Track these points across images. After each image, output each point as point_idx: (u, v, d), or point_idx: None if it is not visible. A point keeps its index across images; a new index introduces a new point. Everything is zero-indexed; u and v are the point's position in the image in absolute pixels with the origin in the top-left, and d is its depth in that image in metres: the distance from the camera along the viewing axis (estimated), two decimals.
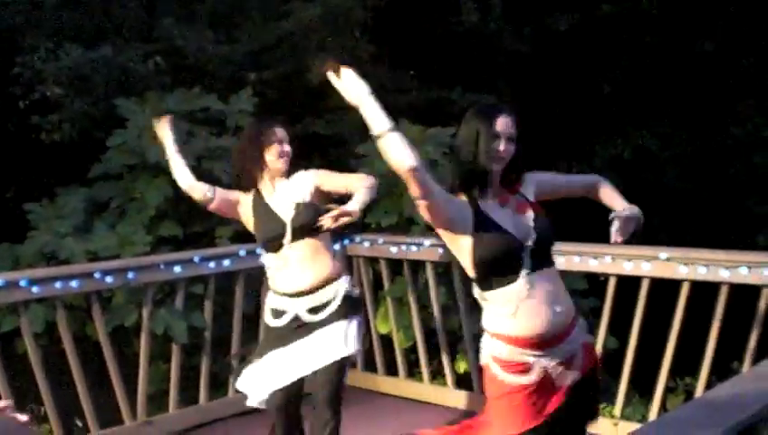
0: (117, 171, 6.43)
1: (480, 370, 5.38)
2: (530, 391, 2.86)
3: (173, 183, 6.08)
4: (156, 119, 4.17)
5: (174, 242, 6.26)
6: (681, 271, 4.62)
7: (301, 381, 3.90)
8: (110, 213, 6.35)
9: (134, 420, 5.08)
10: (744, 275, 4.41)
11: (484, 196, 2.89)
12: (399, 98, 9.47)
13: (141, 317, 5.21)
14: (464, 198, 2.88)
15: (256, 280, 5.54)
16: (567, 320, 2.91)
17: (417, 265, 5.85)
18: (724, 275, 4.47)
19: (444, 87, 10.22)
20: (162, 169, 6.09)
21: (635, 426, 4.47)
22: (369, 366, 6.06)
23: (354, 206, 3.75)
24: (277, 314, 3.89)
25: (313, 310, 3.83)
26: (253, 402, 3.96)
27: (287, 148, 3.91)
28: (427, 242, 5.55)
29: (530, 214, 2.95)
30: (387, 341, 6.11)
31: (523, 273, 2.84)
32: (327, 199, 3.99)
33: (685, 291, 4.66)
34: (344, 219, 3.74)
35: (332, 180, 3.98)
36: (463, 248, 2.84)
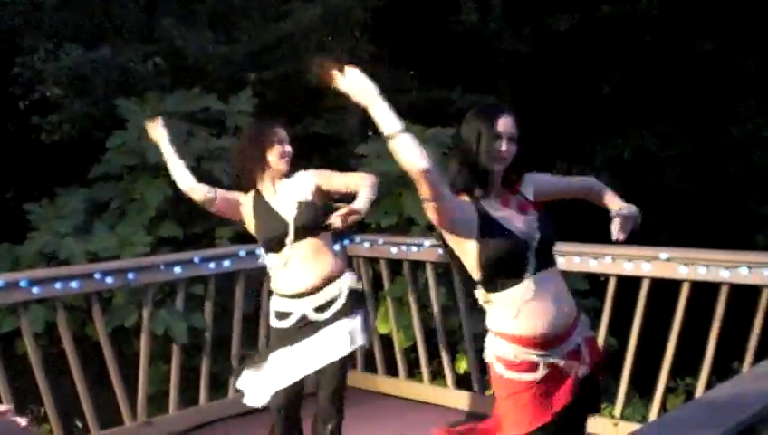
0: (117, 172, 6.44)
1: (481, 370, 5.41)
2: (537, 389, 2.85)
3: (173, 184, 6.07)
4: (148, 120, 4.14)
5: (174, 243, 6.26)
6: (681, 271, 4.62)
7: (302, 381, 3.90)
8: (110, 214, 6.35)
9: (134, 421, 5.08)
10: (744, 276, 4.40)
11: (485, 196, 2.88)
12: (399, 98, 9.46)
13: (141, 318, 5.21)
14: (466, 198, 2.86)
15: (256, 281, 5.54)
16: (570, 319, 2.92)
17: (417, 266, 5.85)
18: (724, 275, 4.47)
19: (444, 87, 10.22)
20: (162, 170, 6.08)
21: (635, 426, 4.47)
22: (370, 366, 6.06)
23: (361, 204, 3.81)
24: (283, 315, 3.88)
25: (319, 308, 3.84)
26: (254, 402, 3.96)
27: (288, 148, 3.91)
28: (427, 242, 5.55)
29: (533, 214, 2.95)
30: (387, 341, 6.10)
31: (529, 273, 2.84)
32: (327, 199, 4.00)
33: (685, 291, 4.66)
34: (352, 218, 3.79)
35: (333, 180, 3.98)
36: (468, 250, 2.83)
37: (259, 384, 3.93)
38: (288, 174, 3.94)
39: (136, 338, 5.43)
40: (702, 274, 4.55)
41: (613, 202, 3.24)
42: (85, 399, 4.86)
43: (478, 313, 5.68)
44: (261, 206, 3.91)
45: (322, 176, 3.97)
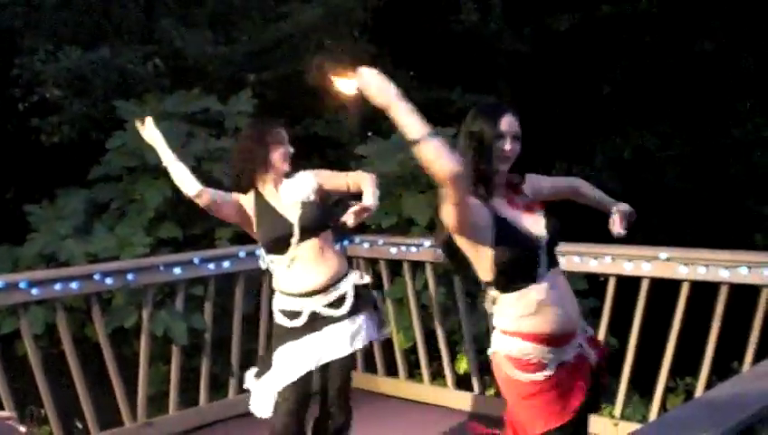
0: (117, 173, 6.44)
1: (481, 370, 5.41)
2: (549, 389, 2.85)
3: (173, 185, 6.10)
4: (139, 123, 4.05)
5: (174, 243, 6.26)
6: (681, 271, 4.62)
7: (309, 382, 3.89)
8: (109, 215, 6.35)
9: (134, 422, 5.08)
10: (743, 275, 4.40)
11: (490, 197, 2.87)
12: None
13: (141, 319, 5.21)
14: (476, 201, 2.83)
15: (256, 281, 5.54)
16: (576, 317, 2.94)
17: (417, 266, 5.85)
18: (723, 275, 4.47)
19: (444, 87, 10.23)
20: (162, 171, 6.08)
21: (635, 426, 4.48)
22: (370, 367, 6.06)
23: (370, 200, 3.82)
24: (292, 314, 3.85)
25: (330, 305, 3.85)
26: (261, 413, 3.94)
27: (291, 149, 3.91)
28: (427, 243, 5.55)
29: (539, 213, 2.95)
30: (387, 342, 6.10)
31: (541, 272, 2.85)
32: (328, 199, 4.00)
33: (685, 291, 4.66)
34: (365, 215, 3.80)
35: (334, 179, 3.99)
36: (483, 252, 2.80)
37: (265, 393, 3.91)
38: (288, 175, 3.93)
39: (136, 339, 5.43)
40: (702, 273, 4.55)
41: (605, 200, 3.28)
42: (85, 400, 4.86)
43: (478, 313, 5.72)
44: (263, 207, 3.89)
45: (323, 176, 3.97)
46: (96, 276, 4.88)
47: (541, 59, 11.07)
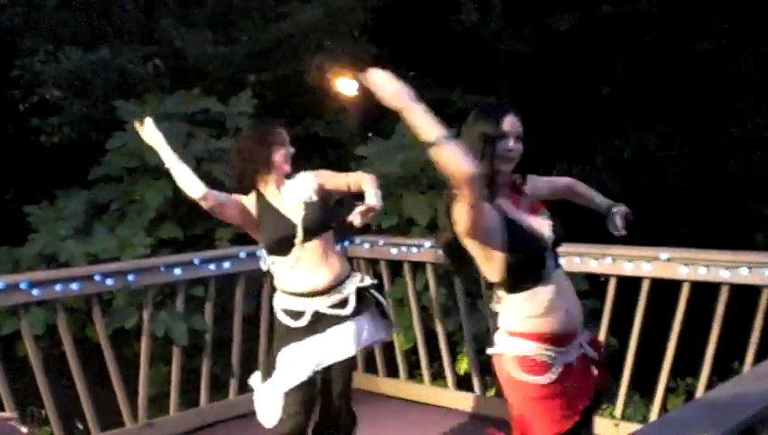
0: (117, 174, 6.44)
1: (481, 371, 5.41)
2: (556, 395, 2.85)
3: (173, 185, 6.11)
4: (138, 123, 3.94)
5: (174, 244, 6.26)
6: (682, 272, 4.61)
7: (314, 386, 3.89)
8: (110, 215, 6.35)
9: (135, 423, 5.07)
10: (744, 276, 4.40)
11: (494, 198, 2.86)
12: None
13: (142, 319, 5.21)
14: (486, 202, 2.82)
15: (257, 282, 5.54)
16: (579, 317, 2.95)
17: (418, 267, 5.85)
18: (724, 275, 4.46)
19: (444, 87, 10.23)
20: (162, 172, 6.09)
21: (636, 426, 4.48)
22: (370, 368, 6.06)
23: (374, 200, 3.84)
24: (295, 314, 3.85)
25: (334, 306, 3.85)
26: (267, 423, 3.93)
27: (291, 149, 3.91)
28: (428, 243, 5.55)
29: (543, 214, 2.95)
30: (387, 342, 6.09)
31: (547, 273, 2.85)
32: (329, 199, 4.00)
33: (685, 291, 4.66)
34: (371, 214, 3.84)
35: (334, 180, 4.00)
36: (493, 254, 2.79)
37: (270, 398, 3.90)
38: (288, 175, 3.93)
39: (136, 340, 5.43)
40: (702, 274, 4.55)
41: (600, 200, 3.31)
42: (86, 400, 4.86)
43: (479, 313, 5.72)
44: (265, 207, 3.88)
45: (323, 176, 3.97)
46: (96, 277, 4.88)
47: (541, 59, 11.07)
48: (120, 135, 6.40)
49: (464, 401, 5.54)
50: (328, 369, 3.87)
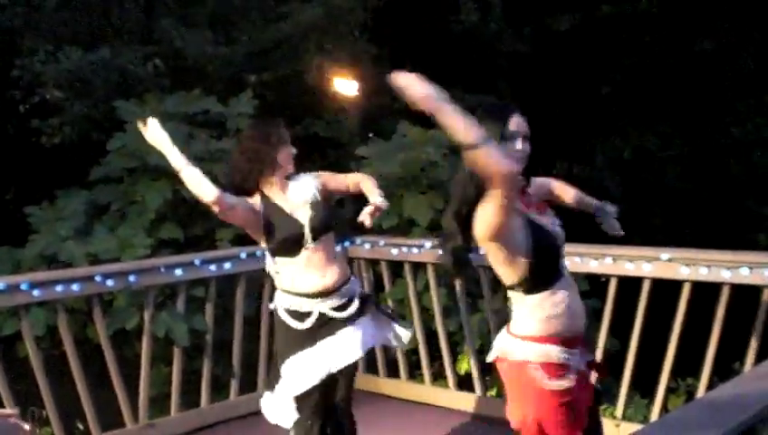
0: (117, 174, 6.44)
1: (482, 371, 5.40)
2: (574, 398, 2.84)
3: (173, 186, 6.13)
4: (141, 124, 3.76)
5: (174, 245, 6.26)
6: (682, 272, 4.61)
7: (331, 389, 3.88)
8: (110, 216, 6.35)
9: (136, 423, 5.07)
10: (745, 276, 4.40)
11: None
12: (400, 99, 9.46)
13: (142, 320, 5.20)
14: None
15: (257, 282, 5.54)
16: (584, 317, 2.94)
17: (418, 267, 5.84)
18: (725, 275, 4.46)
19: (444, 87, 10.21)
20: (162, 172, 6.09)
21: (636, 427, 4.48)
22: (371, 368, 6.06)
23: (380, 199, 3.83)
24: (301, 315, 3.82)
25: (338, 308, 3.84)
26: (284, 423, 3.91)
27: (294, 150, 3.89)
28: (428, 244, 5.55)
29: (549, 213, 2.95)
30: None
31: (562, 272, 2.86)
32: (330, 200, 4.00)
33: (686, 292, 4.66)
34: (378, 214, 3.85)
35: (335, 180, 4.00)
36: (517, 255, 2.77)
37: (281, 402, 3.89)
38: (289, 176, 3.91)
39: (137, 340, 5.43)
40: (703, 274, 4.54)
41: (585, 199, 3.33)
42: (86, 401, 4.86)
43: (479, 313, 5.72)
44: (271, 209, 3.82)
45: (325, 177, 3.97)
46: (97, 278, 4.87)
47: (541, 59, 11.08)
48: (120, 136, 6.40)
49: (465, 402, 5.54)
50: (334, 373, 3.86)
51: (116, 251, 5.79)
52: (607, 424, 4.79)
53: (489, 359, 3.02)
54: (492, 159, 2.49)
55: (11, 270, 5.76)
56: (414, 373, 6.02)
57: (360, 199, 4.09)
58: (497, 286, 5.23)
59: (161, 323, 5.32)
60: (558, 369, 2.81)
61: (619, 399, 4.92)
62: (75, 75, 7.44)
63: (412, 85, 2.46)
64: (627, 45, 10.97)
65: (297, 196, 3.85)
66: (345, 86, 7.75)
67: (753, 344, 4.43)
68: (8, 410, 2.60)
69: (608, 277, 4.99)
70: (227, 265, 5.40)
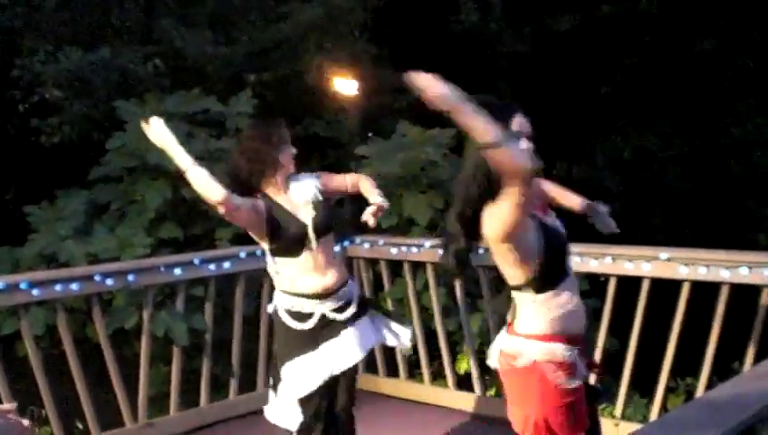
0: (117, 174, 6.43)
1: (481, 371, 5.40)
2: (579, 396, 2.85)
3: (173, 185, 6.13)
4: (145, 123, 3.65)
5: (174, 244, 6.26)
6: (682, 271, 4.61)
7: (328, 397, 3.87)
8: (110, 215, 6.35)
9: (135, 423, 5.07)
10: (744, 276, 4.40)
11: None
12: (399, 98, 9.49)
13: (142, 319, 5.20)
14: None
15: (257, 282, 5.54)
16: (584, 315, 2.95)
17: (418, 267, 5.84)
18: (724, 275, 4.46)
19: None
20: (162, 172, 6.10)
21: (636, 426, 4.48)
22: (370, 368, 6.06)
23: (380, 198, 3.84)
24: (302, 316, 3.80)
25: (338, 310, 3.83)
26: (288, 425, 3.89)
27: (294, 150, 3.87)
28: (428, 243, 5.55)
29: (552, 215, 2.96)
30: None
31: (567, 272, 2.87)
32: (330, 200, 4.00)
33: (685, 291, 4.66)
34: (380, 214, 3.85)
35: (335, 180, 4.00)
36: (528, 254, 2.76)
37: (284, 405, 3.87)
38: (290, 176, 3.88)
39: (136, 340, 5.42)
40: (702, 274, 4.55)
41: (572, 198, 3.35)
42: (86, 400, 4.86)
43: (479, 313, 5.72)
44: (274, 209, 3.78)
45: (324, 177, 3.96)
46: (96, 277, 4.87)
47: (541, 59, 11.08)
48: (119, 135, 6.39)
49: (464, 401, 5.54)
50: (336, 375, 3.85)
51: (115, 251, 5.79)
52: (606, 424, 4.80)
53: (491, 362, 3.02)
54: (511, 156, 2.48)
55: (10, 269, 5.75)
56: (413, 373, 6.02)
57: (358, 199, 4.09)
58: (498, 286, 5.24)
59: (160, 322, 5.32)
60: (569, 367, 2.83)
61: (619, 398, 4.92)
62: (75, 75, 7.44)
63: (430, 85, 2.44)
64: (627, 45, 10.97)
65: (299, 196, 3.83)
66: (345, 86, 7.75)
67: (753, 344, 4.44)
68: (6, 406, 2.59)
69: (607, 277, 4.99)
70: (227, 265, 5.40)
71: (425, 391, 5.79)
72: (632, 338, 4.85)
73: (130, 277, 5.00)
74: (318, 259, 3.79)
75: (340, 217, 5.88)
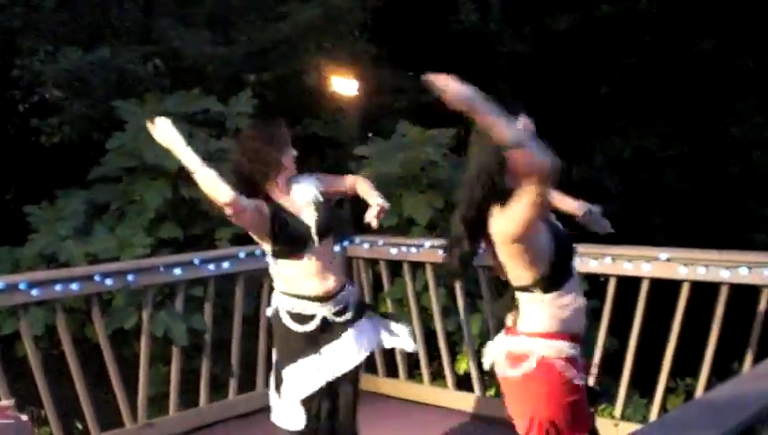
0: (116, 174, 6.43)
1: (481, 372, 5.40)
2: (580, 398, 2.86)
3: (173, 185, 6.13)
4: (150, 121, 3.57)
5: (174, 244, 6.26)
6: (681, 271, 4.61)
7: (330, 399, 3.86)
8: (109, 215, 6.34)
9: (134, 423, 5.07)
10: (743, 276, 4.40)
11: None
12: (399, 98, 9.50)
13: (141, 320, 5.20)
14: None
15: (256, 282, 5.54)
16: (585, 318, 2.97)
17: (417, 267, 5.84)
18: (724, 275, 4.46)
19: None
20: (161, 172, 6.10)
21: (635, 426, 4.48)
22: (370, 368, 6.05)
23: (380, 199, 3.84)
24: (304, 318, 3.78)
25: (337, 313, 3.82)
26: (294, 426, 3.85)
27: (295, 151, 3.85)
28: (427, 243, 5.55)
29: (552, 216, 2.97)
30: None
31: (572, 273, 2.88)
32: (329, 201, 4.00)
33: (685, 291, 4.66)
34: (382, 215, 3.84)
35: (334, 182, 3.99)
36: (539, 254, 2.78)
37: (287, 406, 3.85)
38: (290, 178, 3.86)
39: (136, 340, 5.42)
40: (702, 274, 4.55)
41: (565, 200, 3.39)
42: (85, 401, 4.85)
43: (479, 313, 5.72)
44: (277, 211, 3.74)
45: (323, 179, 3.95)
46: (96, 277, 4.87)
47: (540, 59, 11.07)
48: (119, 135, 6.39)
49: (463, 401, 5.54)
50: (338, 377, 3.84)
51: (115, 251, 5.79)
52: (606, 424, 4.80)
53: (488, 364, 3.03)
54: (534, 156, 2.50)
55: (10, 269, 5.75)
56: (413, 373, 6.02)
57: (358, 200, 4.08)
58: (498, 287, 5.23)
59: (160, 322, 5.32)
60: (574, 363, 2.85)
61: (618, 398, 4.92)
62: (74, 75, 7.44)
63: (450, 86, 2.46)
64: (626, 45, 10.96)
65: (301, 197, 3.81)
66: (344, 86, 7.75)
67: (752, 344, 4.44)
68: (4, 402, 2.60)
69: (607, 277, 4.99)
70: (226, 265, 5.40)
71: (424, 392, 5.79)
72: (632, 338, 4.85)
73: (130, 277, 5.00)
74: (319, 262, 3.77)
75: (339, 217, 5.88)
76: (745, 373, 3.87)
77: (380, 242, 5.87)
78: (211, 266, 5.34)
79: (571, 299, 2.84)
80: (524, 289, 2.84)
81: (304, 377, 3.77)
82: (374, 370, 6.04)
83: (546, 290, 2.82)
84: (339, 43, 9.09)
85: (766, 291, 4.39)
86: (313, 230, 3.75)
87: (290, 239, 3.72)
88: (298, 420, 3.81)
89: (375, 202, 3.84)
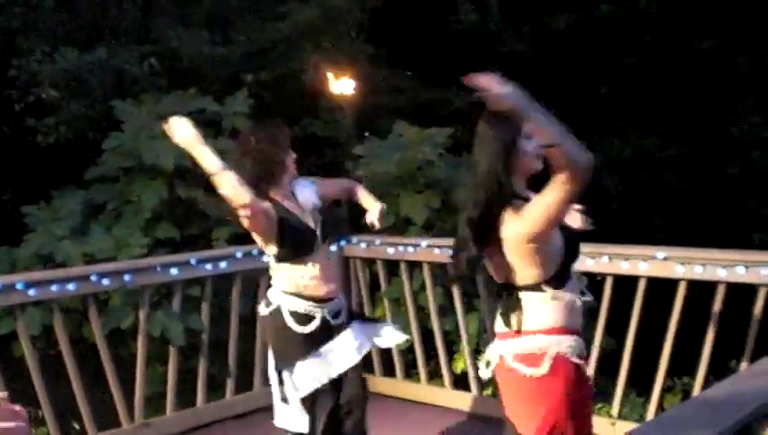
0: (113, 174, 6.42)
1: (478, 371, 5.38)
2: (586, 393, 2.88)
3: (169, 185, 6.13)
4: (164, 123, 3.56)
5: (171, 244, 6.25)
6: (678, 270, 4.60)
7: (332, 400, 3.85)
8: (106, 215, 6.34)
9: (131, 423, 5.06)
10: (741, 275, 4.39)
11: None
12: (397, 98, 9.50)
13: (138, 320, 5.20)
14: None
15: (253, 282, 5.53)
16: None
17: (414, 266, 5.83)
18: (721, 274, 4.45)
19: (441, 87, 10.22)
20: (158, 171, 6.09)
21: (632, 425, 4.46)
22: (367, 367, 6.03)
23: (378, 202, 3.91)
24: (304, 319, 3.76)
25: (334, 315, 3.82)
26: (299, 428, 3.83)
27: (294, 154, 3.83)
28: (424, 243, 5.54)
29: None
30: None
31: (572, 270, 2.88)
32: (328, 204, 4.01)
33: (682, 290, 4.65)
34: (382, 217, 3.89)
35: (331, 185, 4.01)
36: (551, 252, 2.77)
37: (289, 407, 3.83)
38: (292, 181, 3.85)
39: (133, 340, 5.42)
40: (699, 273, 4.54)
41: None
42: (82, 401, 4.85)
43: (476, 313, 5.71)
44: (283, 213, 3.68)
45: (320, 182, 3.95)
46: (93, 277, 4.86)
47: (539, 58, 11.07)
48: (116, 135, 6.39)
49: (461, 401, 5.53)
50: (339, 378, 3.84)
51: (112, 251, 5.78)
52: (603, 423, 4.80)
53: (486, 372, 3.03)
54: (571, 154, 2.51)
55: (7, 270, 5.75)
56: (410, 372, 6.01)
57: (355, 202, 4.11)
58: (498, 292, 5.22)
59: (157, 322, 5.32)
60: (583, 356, 2.86)
61: (615, 397, 4.91)
62: (72, 75, 7.44)
63: (492, 85, 2.47)
64: (626, 45, 10.97)
65: (303, 200, 3.81)
66: (342, 85, 7.75)
67: (749, 343, 4.43)
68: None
69: (603, 276, 4.98)
70: (223, 265, 5.39)
71: (421, 391, 5.79)
72: (629, 337, 4.84)
73: (127, 277, 4.99)
74: (322, 263, 3.78)
75: (337, 217, 5.88)
76: (742, 372, 3.86)
77: (377, 241, 5.86)
78: (208, 266, 5.34)
79: (572, 297, 2.85)
80: (530, 288, 2.83)
81: (306, 377, 3.77)
82: (371, 369, 6.03)
83: (557, 286, 2.83)
84: (336, 44, 9.09)
85: (763, 290, 4.39)
86: (319, 236, 3.75)
87: (296, 243, 3.70)
88: (302, 422, 3.80)
89: (375, 205, 3.84)
